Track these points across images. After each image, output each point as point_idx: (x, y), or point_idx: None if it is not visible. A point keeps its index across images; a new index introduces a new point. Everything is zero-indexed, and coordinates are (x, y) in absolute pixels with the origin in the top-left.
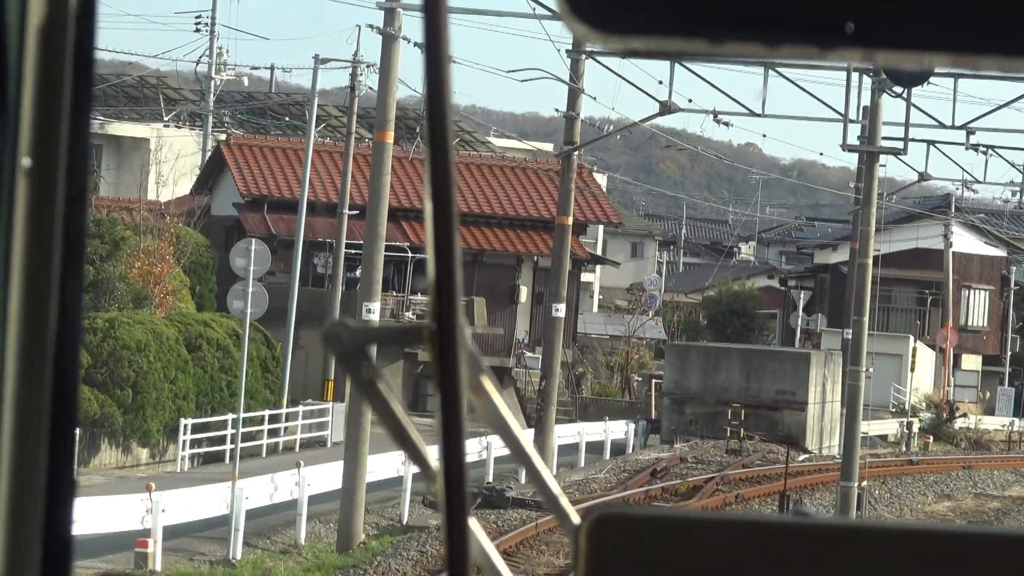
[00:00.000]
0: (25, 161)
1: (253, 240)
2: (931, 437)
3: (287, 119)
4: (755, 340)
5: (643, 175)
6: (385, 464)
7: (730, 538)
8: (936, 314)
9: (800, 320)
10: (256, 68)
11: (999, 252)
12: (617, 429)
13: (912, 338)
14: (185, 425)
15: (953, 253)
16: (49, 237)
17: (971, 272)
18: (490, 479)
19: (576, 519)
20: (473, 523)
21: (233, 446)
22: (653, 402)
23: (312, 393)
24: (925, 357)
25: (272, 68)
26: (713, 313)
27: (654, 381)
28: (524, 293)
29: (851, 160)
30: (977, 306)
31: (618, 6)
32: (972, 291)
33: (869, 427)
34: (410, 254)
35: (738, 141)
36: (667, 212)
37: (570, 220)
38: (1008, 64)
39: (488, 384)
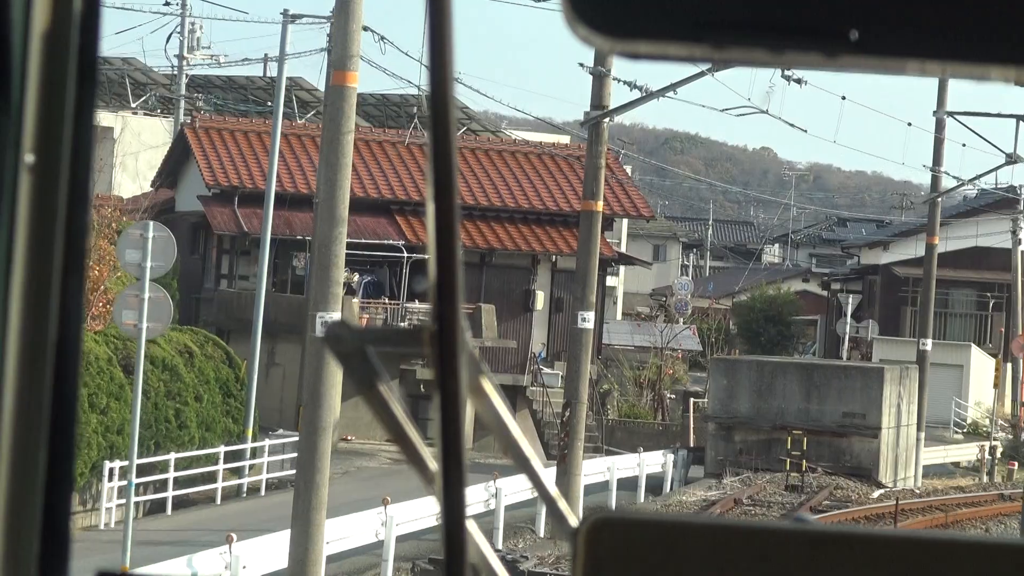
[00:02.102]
0: (28, 158)
1: (151, 225)
2: (1015, 463)
3: (269, 103)
4: (792, 350)
5: (656, 179)
6: (359, 527)
7: (727, 543)
8: (999, 319)
9: (848, 327)
10: (248, 61)
11: None
12: (653, 461)
13: (973, 346)
14: (111, 469)
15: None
16: (51, 234)
17: None
18: (500, 543)
19: (574, 522)
20: (471, 525)
21: (178, 492)
22: (692, 426)
23: (290, 421)
24: (986, 367)
25: (266, 58)
26: (746, 320)
27: (692, 400)
28: (541, 299)
29: (867, 164)
30: None
31: (622, 11)
32: None
33: (947, 453)
34: (406, 254)
35: (753, 145)
36: (687, 214)
37: (600, 205)
38: (1016, 73)
39: (488, 386)
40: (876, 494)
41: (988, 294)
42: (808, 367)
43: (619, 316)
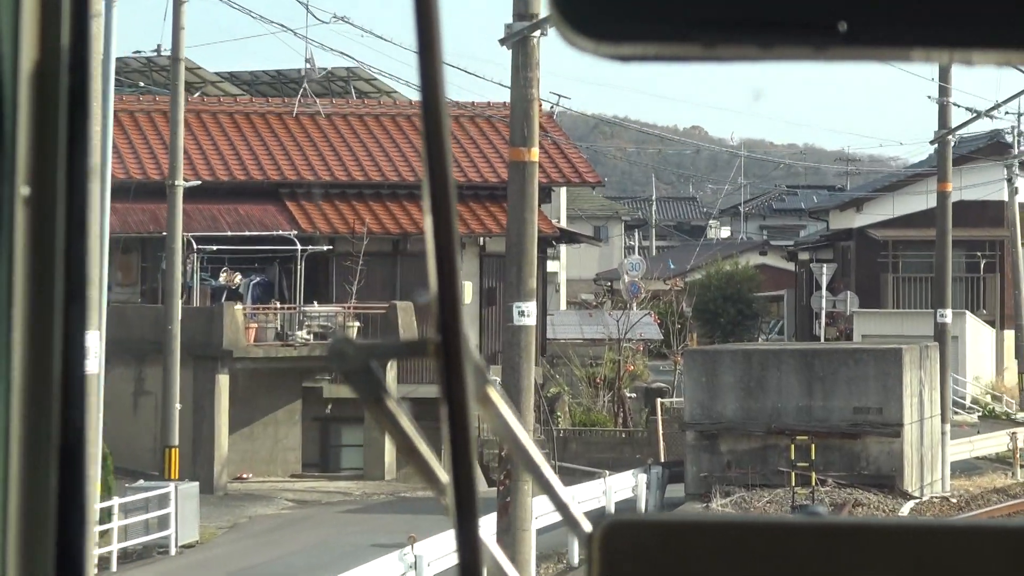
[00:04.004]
0: (24, 190)
1: None
2: None
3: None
4: (756, 332)
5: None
6: None
7: (740, 540)
8: (992, 281)
9: (824, 301)
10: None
11: None
12: (621, 485)
13: (968, 314)
14: None
15: (1007, 205)
16: (50, 265)
17: None
18: None
19: (588, 527)
20: (484, 534)
21: None
22: (661, 432)
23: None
24: (983, 337)
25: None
26: (702, 300)
27: (659, 401)
28: (468, 291)
29: (798, 137)
30: None
31: (609, 12)
32: None
33: (972, 446)
34: (299, 246)
35: (683, 125)
36: (624, 193)
37: (534, 153)
38: (1004, 57)
39: (494, 395)
40: (905, 508)
41: (979, 254)
42: (808, 354)
43: (563, 306)
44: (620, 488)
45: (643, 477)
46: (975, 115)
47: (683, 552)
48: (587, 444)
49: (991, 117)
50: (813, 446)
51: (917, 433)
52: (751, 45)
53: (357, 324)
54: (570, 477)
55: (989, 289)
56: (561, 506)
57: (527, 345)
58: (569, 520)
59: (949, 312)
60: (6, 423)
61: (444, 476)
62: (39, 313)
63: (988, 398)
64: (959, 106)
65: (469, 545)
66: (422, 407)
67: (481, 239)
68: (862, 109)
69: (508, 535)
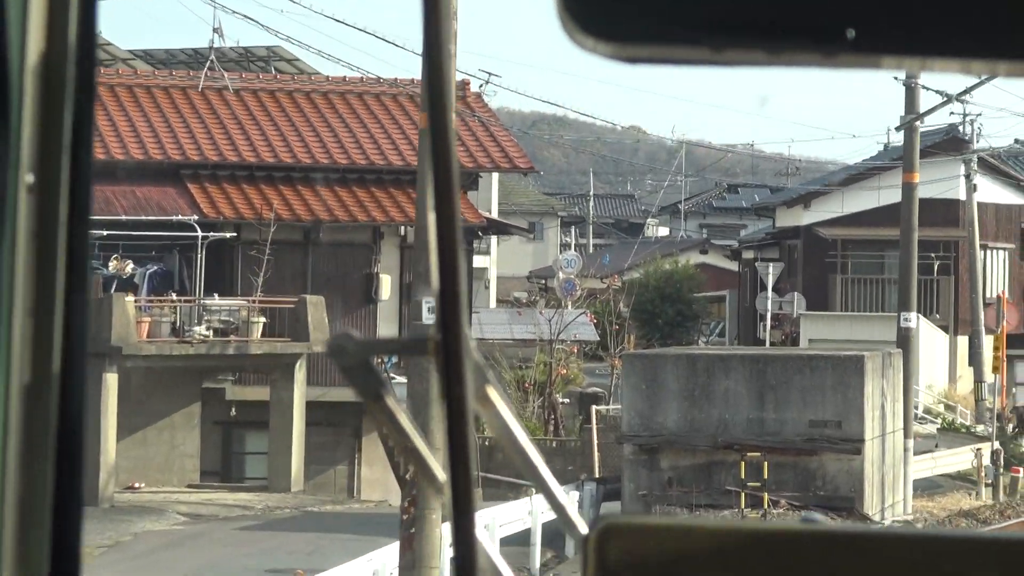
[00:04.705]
0: (28, 178)
1: None
2: (1020, 469)
3: None
4: (696, 333)
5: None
6: None
7: (736, 544)
8: (946, 284)
9: (770, 302)
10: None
11: (1018, 200)
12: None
13: (921, 318)
14: None
15: (961, 203)
16: (53, 253)
17: (985, 226)
18: None
19: (584, 529)
20: (481, 533)
21: None
22: (596, 442)
23: None
24: (937, 343)
25: None
26: (639, 300)
27: (595, 409)
28: (387, 285)
29: (736, 138)
30: (996, 271)
31: (619, 15)
32: (988, 251)
33: (935, 463)
34: (200, 233)
35: (622, 124)
36: (562, 190)
37: (451, 117)
38: (1012, 68)
39: (494, 394)
40: None
41: (932, 255)
42: (759, 360)
43: (494, 303)
44: (549, 508)
45: (574, 495)
46: (946, 99)
47: (678, 555)
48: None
49: (962, 102)
50: (765, 463)
51: (878, 450)
52: (759, 51)
53: (262, 320)
54: (495, 490)
55: (943, 293)
56: (558, 507)
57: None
58: (565, 521)
59: (914, 316)
60: (5, 413)
61: (442, 474)
62: (41, 302)
63: (941, 407)
64: (928, 89)
65: (466, 543)
66: (332, 412)
67: (402, 229)
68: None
69: (413, 573)
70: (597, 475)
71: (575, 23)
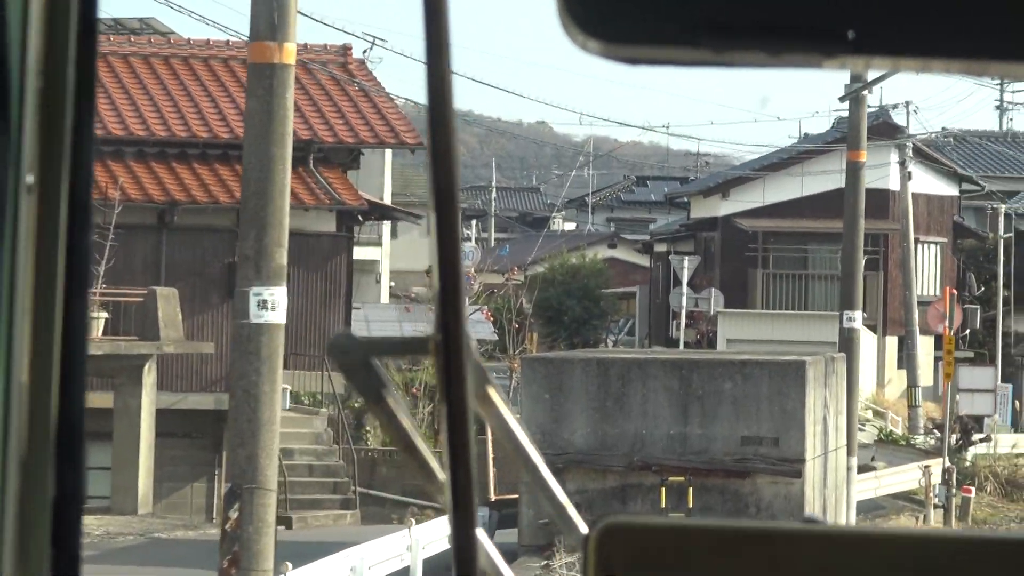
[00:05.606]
0: (28, 178)
1: None
2: (972, 490)
3: None
4: (604, 332)
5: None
6: None
7: (737, 545)
8: (874, 281)
9: (685, 299)
10: None
11: (951, 190)
12: (434, 535)
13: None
14: None
15: (891, 194)
16: (54, 254)
17: (916, 219)
18: None
19: (584, 529)
20: (480, 533)
21: None
22: (492, 456)
23: None
24: (865, 344)
25: None
26: (544, 296)
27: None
28: None
29: (643, 135)
30: (928, 266)
31: (618, 14)
32: (920, 245)
33: (878, 482)
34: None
35: (528, 120)
36: (465, 184)
37: (288, 52)
38: (1013, 69)
39: (495, 395)
40: None
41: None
42: (683, 366)
43: (385, 299)
44: (432, 539)
45: None
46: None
47: (679, 555)
48: (401, 468)
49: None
50: (690, 488)
51: (820, 470)
52: (759, 51)
53: (104, 315)
54: (377, 508)
55: (871, 290)
56: (558, 508)
57: (272, 354)
58: (565, 522)
59: (859, 315)
60: (4, 413)
61: (441, 474)
62: (41, 304)
63: (870, 414)
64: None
65: (466, 543)
66: (188, 421)
67: None
68: (732, 84)
69: None
70: (492, 497)
71: (576, 24)
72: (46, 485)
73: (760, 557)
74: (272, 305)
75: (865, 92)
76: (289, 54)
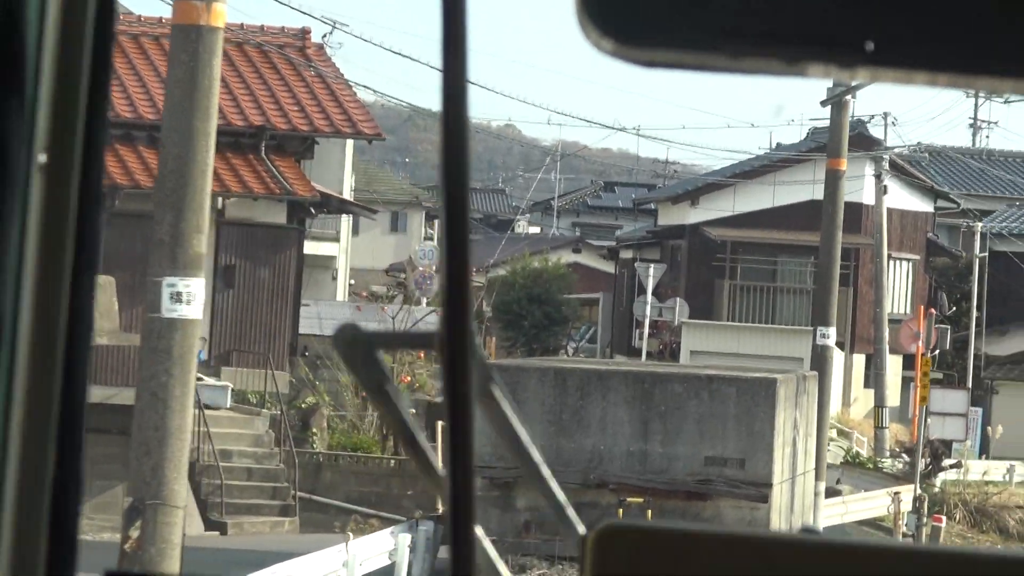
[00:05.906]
0: (41, 157)
1: None
2: (943, 518)
3: None
4: (564, 338)
5: (398, 157)
6: None
7: (735, 553)
8: (843, 297)
9: (649, 308)
10: None
11: (926, 207)
12: (373, 549)
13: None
14: None
15: (864, 208)
16: (63, 233)
17: (889, 234)
18: None
19: (582, 529)
20: (479, 531)
21: None
22: (442, 467)
23: None
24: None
25: None
26: (504, 300)
27: (441, 424)
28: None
29: (612, 142)
30: (899, 284)
31: (637, 17)
32: (892, 262)
33: (846, 508)
34: None
35: (497, 122)
36: (431, 182)
37: (218, 13)
38: None
39: (497, 392)
40: None
41: None
42: (646, 379)
43: (343, 296)
44: (373, 552)
45: (405, 538)
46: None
47: (676, 561)
48: (347, 475)
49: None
50: (649, 510)
51: (788, 495)
52: (777, 59)
53: None
54: (320, 514)
55: (840, 306)
56: (557, 506)
57: (185, 353)
58: (564, 522)
59: (832, 332)
60: (9, 392)
61: (440, 469)
62: (49, 282)
63: (834, 433)
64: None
65: (464, 540)
66: (123, 417)
67: (219, 200)
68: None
69: None
70: (439, 510)
71: (591, 21)
72: (47, 464)
73: (756, 566)
74: (187, 298)
75: (848, 98)
76: (218, 16)
